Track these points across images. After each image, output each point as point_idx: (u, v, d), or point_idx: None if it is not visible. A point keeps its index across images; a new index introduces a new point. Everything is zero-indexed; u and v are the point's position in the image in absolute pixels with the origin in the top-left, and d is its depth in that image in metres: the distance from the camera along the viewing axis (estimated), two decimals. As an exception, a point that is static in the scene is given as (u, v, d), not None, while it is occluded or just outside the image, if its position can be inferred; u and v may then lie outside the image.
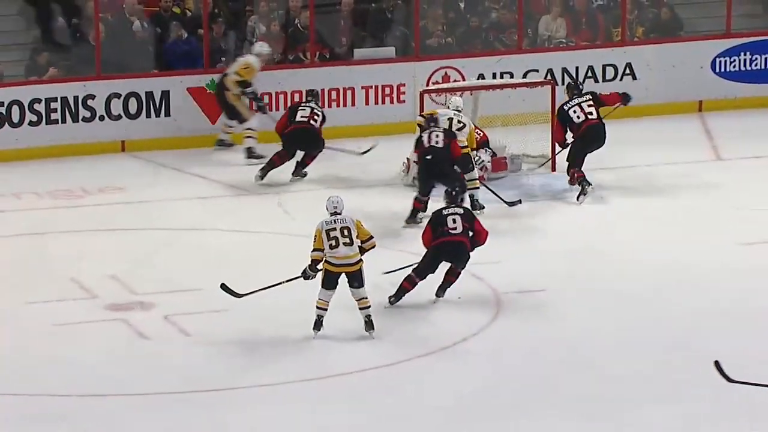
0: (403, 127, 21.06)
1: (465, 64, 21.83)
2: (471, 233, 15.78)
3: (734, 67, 22.47)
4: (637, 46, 22.46)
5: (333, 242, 14.57)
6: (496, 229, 17.68)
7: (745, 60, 22.51)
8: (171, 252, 17.74)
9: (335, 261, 14.61)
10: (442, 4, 22.70)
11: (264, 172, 19.82)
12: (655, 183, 19.80)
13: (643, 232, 18.01)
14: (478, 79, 21.37)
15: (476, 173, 18.52)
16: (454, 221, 15.67)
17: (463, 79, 21.36)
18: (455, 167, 18.09)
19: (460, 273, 15.87)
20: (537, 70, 21.71)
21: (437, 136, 17.91)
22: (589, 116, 18.79)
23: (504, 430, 13.17)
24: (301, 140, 19.90)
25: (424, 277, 15.68)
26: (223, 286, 15.29)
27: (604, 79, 21.95)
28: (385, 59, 22.05)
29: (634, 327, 15.34)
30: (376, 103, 21.85)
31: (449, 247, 15.71)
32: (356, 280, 14.69)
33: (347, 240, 14.63)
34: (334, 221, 14.66)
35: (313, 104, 19.87)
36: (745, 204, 18.69)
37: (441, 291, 15.81)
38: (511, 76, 21.40)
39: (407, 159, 19.30)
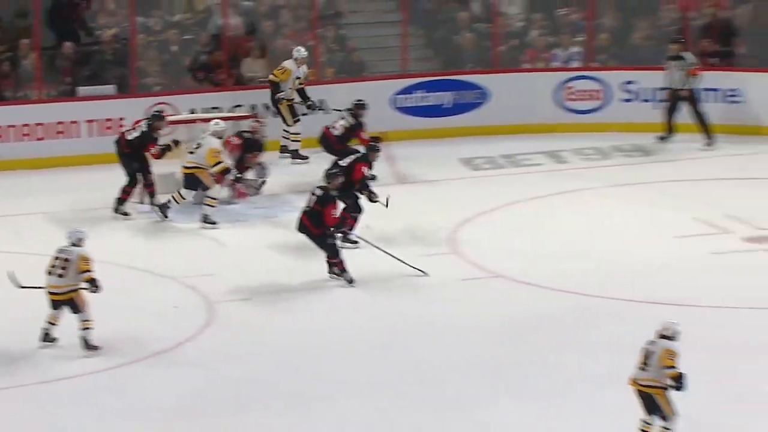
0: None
1: (177, 100, 21.62)
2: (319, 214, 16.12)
3: (410, 102, 22.71)
4: (328, 84, 22.55)
5: (50, 269, 14.19)
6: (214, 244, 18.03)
7: (419, 97, 22.77)
8: None
9: (49, 288, 14.25)
10: (157, 47, 22.45)
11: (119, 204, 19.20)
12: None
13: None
14: (190, 113, 21.18)
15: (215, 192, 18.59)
16: (309, 199, 16.20)
17: (177, 113, 21.15)
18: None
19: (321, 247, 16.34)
20: (242, 105, 21.63)
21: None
22: None
23: (225, 427, 13.10)
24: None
25: None
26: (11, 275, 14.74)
27: (302, 114, 21.96)
28: (106, 96, 21.73)
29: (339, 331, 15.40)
30: (99, 135, 21.49)
31: (298, 220, 16.38)
32: (70, 307, 14.31)
33: (60, 271, 14.20)
34: (62, 251, 14.27)
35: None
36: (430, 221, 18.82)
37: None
38: (220, 110, 21.23)
39: None
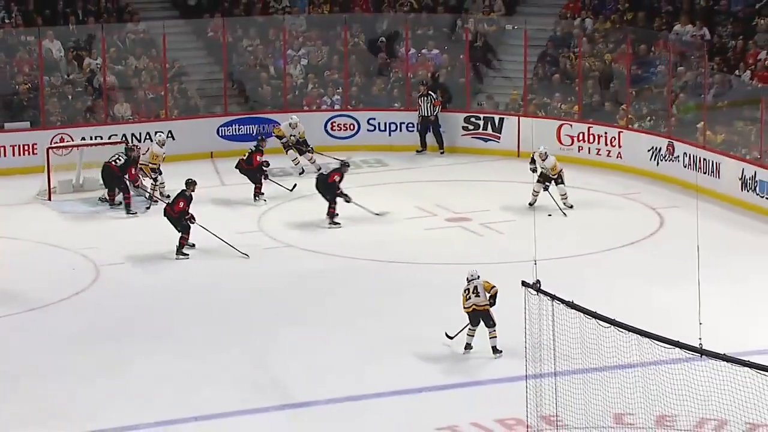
0: (37, 169, 19.90)
1: (73, 132, 21.10)
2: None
3: (230, 132, 22.46)
4: (175, 120, 22.12)
5: None
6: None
7: (236, 128, 22.58)
8: None
9: None
10: (58, 95, 21.98)
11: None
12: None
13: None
14: (82, 140, 20.81)
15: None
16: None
17: (73, 140, 20.75)
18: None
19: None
20: (116, 134, 21.27)
21: None
22: None
23: (108, 351, 12.92)
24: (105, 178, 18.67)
25: None
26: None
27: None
28: (24, 129, 21.26)
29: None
30: (20, 155, 20.97)
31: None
32: None
33: None
34: None
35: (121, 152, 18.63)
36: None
37: None
38: (102, 138, 20.85)
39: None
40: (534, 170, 18.14)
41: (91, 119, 21.86)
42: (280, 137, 20.64)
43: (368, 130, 22.70)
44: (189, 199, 16.43)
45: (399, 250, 16.47)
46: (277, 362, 12.70)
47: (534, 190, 18.21)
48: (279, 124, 21.15)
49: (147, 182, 18.92)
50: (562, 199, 18.19)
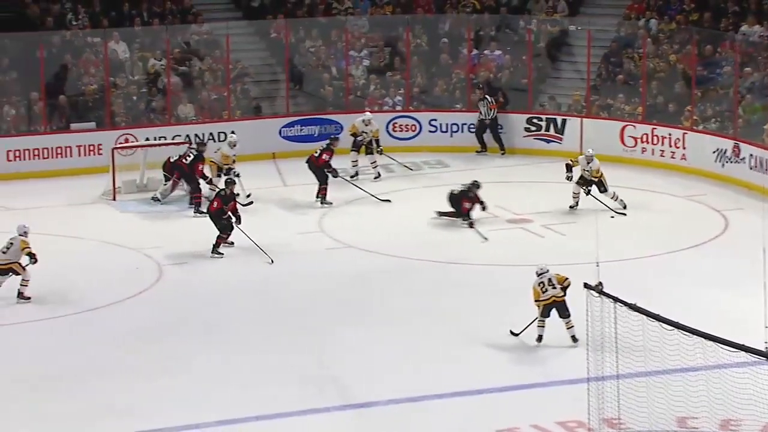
0: (102, 169, 20.08)
1: (138, 132, 21.38)
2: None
3: (292, 133, 22.59)
4: (237, 121, 22.24)
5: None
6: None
7: (298, 129, 22.66)
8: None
9: None
10: (123, 96, 22.25)
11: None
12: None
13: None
14: (146, 140, 21.06)
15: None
16: None
17: (137, 141, 21.00)
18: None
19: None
20: (180, 135, 21.45)
21: None
22: None
23: (169, 346, 13.02)
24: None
25: None
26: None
27: (219, 140, 21.83)
28: (90, 129, 21.53)
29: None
30: (86, 155, 21.23)
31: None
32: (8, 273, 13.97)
33: (4, 249, 13.98)
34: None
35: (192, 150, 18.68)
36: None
37: None
38: (165, 139, 21.09)
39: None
40: (569, 178, 17.97)
41: (155, 120, 22.04)
42: (354, 135, 20.45)
43: (430, 131, 22.68)
44: (226, 199, 16.41)
45: (459, 251, 16.44)
46: (337, 361, 12.71)
47: (574, 192, 18.06)
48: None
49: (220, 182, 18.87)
50: (613, 200, 17.97)
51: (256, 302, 14.64)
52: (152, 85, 22.48)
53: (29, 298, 13.93)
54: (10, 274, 13.91)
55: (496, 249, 16.64)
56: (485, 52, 23.58)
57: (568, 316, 12.73)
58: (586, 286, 10.26)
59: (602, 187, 17.98)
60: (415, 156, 22.23)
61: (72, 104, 21.72)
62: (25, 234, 13.96)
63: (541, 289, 12.79)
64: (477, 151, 22.19)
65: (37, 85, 21.36)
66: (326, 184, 18.61)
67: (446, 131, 22.68)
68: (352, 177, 20.08)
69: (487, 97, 22.15)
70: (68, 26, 22.91)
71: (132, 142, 20.88)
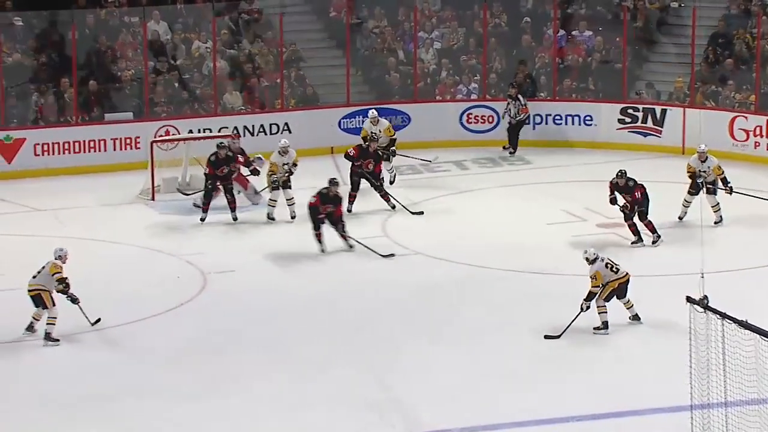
0: (139, 165, 20.39)
1: (179, 123, 21.68)
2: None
3: (353, 125, 22.78)
4: (291, 112, 22.66)
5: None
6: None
7: (359, 120, 22.83)
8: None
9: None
10: (163, 83, 22.49)
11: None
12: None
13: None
14: (189, 132, 21.28)
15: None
16: None
17: (179, 133, 21.22)
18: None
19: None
20: (227, 127, 21.65)
21: None
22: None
23: (216, 364, 13.12)
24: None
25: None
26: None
27: (271, 133, 22.05)
28: (126, 120, 21.79)
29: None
30: (122, 149, 21.52)
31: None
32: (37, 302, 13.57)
33: (35, 273, 13.60)
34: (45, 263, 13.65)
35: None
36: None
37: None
38: (211, 131, 21.30)
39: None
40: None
41: (200, 110, 22.28)
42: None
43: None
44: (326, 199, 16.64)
45: (541, 259, 16.39)
46: (402, 383, 12.70)
47: (685, 201, 17.77)
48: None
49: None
50: (713, 209, 17.72)
51: (311, 315, 14.67)
52: (196, 70, 22.69)
53: (58, 340, 13.60)
54: (40, 308, 13.62)
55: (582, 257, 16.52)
56: (573, 32, 23.51)
57: (626, 294, 13.70)
58: (689, 300, 10.17)
59: (723, 187, 17.49)
60: (492, 151, 22.24)
61: (106, 92, 22.01)
62: (60, 258, 13.67)
63: (611, 269, 13.53)
64: (510, 152, 22.06)
65: (69, 70, 21.65)
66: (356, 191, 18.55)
67: (528, 123, 22.67)
68: (391, 183, 19.73)
69: (520, 97, 22.01)
70: (103, 4, 23.24)
71: (173, 134, 21.11)
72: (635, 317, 13.81)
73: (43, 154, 21.16)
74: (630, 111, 22.37)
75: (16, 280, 14.36)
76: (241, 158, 18.62)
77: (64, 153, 21.20)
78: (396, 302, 15.03)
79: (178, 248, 17.19)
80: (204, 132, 21.07)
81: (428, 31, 23.95)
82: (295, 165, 18.41)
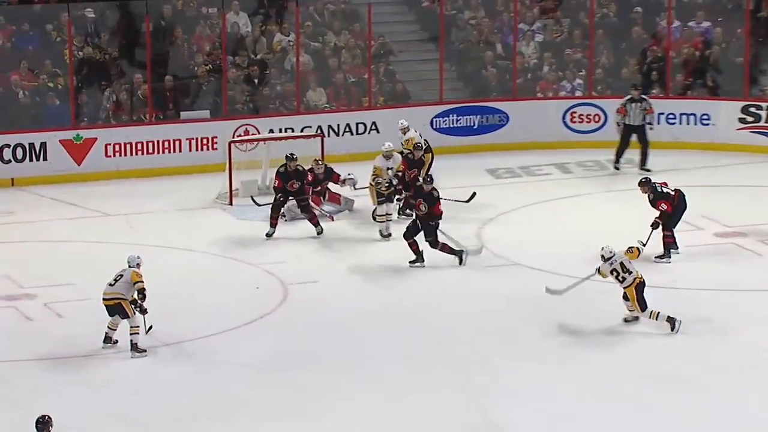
0: (216, 167, 20.64)
1: (259, 123, 21.82)
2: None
3: (446, 124, 22.78)
4: (379, 110, 22.70)
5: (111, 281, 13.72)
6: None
7: (453, 119, 22.85)
8: (49, 257, 17.39)
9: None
10: (242, 79, 22.63)
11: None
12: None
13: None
14: (269, 132, 21.39)
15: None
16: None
17: (259, 133, 21.35)
18: None
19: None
20: (310, 126, 21.78)
21: None
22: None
23: (295, 380, 13.19)
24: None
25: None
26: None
27: (357, 133, 22.11)
28: (203, 119, 21.95)
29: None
30: (198, 150, 21.70)
31: None
32: (116, 312, 13.69)
33: (112, 281, 13.67)
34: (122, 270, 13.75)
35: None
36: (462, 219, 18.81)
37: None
38: (293, 131, 21.43)
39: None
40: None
41: (281, 108, 22.39)
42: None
43: (617, 123, 22.44)
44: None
45: (651, 272, 16.11)
46: (499, 406, 12.60)
47: None
48: None
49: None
50: None
51: (399, 330, 14.61)
52: (278, 65, 22.80)
53: (145, 351, 13.72)
54: (118, 315, 13.77)
55: (699, 270, 16.39)
56: (690, 23, 23.25)
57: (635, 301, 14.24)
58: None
59: None
60: (598, 153, 22.06)
61: (182, 89, 22.20)
62: (138, 266, 13.82)
63: (617, 277, 14.23)
64: (616, 167, 21.55)
65: (142, 65, 21.90)
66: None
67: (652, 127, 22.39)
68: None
69: (645, 98, 21.56)
70: (179, -6, 23.50)
71: (252, 134, 21.23)
72: (634, 319, 14.34)
73: (114, 155, 21.40)
74: (752, 110, 22.18)
75: (88, 290, 14.47)
76: (312, 176, 18.21)
77: (136, 154, 21.44)
78: (492, 316, 14.94)
79: (258, 257, 17.23)
80: (285, 132, 21.15)
81: (529, 22, 23.86)
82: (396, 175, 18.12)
